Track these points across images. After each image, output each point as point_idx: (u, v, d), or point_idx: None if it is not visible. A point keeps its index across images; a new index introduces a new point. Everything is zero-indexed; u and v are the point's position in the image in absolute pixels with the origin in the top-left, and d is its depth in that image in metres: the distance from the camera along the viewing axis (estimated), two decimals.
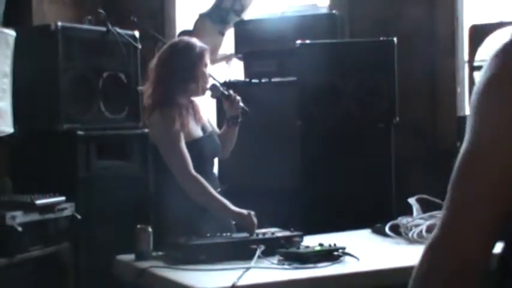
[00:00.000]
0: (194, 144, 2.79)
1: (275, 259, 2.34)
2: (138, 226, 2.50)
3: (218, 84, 3.04)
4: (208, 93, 3.01)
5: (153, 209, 2.86)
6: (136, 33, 3.80)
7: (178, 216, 2.70)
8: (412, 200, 2.93)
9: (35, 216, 2.92)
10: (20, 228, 2.79)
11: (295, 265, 2.27)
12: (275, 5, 4.52)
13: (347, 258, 2.36)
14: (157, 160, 2.85)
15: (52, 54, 3.41)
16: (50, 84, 3.43)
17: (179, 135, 2.75)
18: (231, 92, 2.99)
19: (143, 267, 2.32)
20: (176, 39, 2.97)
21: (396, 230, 2.77)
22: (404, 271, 2.24)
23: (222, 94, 2.99)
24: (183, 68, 2.81)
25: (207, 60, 2.89)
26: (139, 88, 3.06)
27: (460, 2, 4.21)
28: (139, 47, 3.79)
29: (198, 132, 2.89)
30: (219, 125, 3.18)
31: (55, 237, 3.06)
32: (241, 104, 2.98)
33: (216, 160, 3.18)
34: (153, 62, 2.88)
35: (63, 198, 3.10)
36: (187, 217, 2.70)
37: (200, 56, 2.85)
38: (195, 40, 2.94)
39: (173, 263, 2.35)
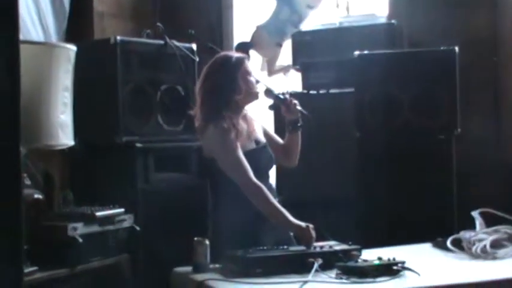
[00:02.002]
0: (247, 156, 2.80)
1: (333, 273, 2.32)
2: (196, 239, 2.51)
3: (271, 88, 3.02)
4: (264, 103, 3.01)
5: (210, 222, 2.87)
6: (194, 46, 3.85)
7: (235, 229, 2.70)
8: (475, 214, 2.86)
9: (95, 228, 2.98)
10: (80, 240, 2.85)
11: (354, 279, 2.24)
12: (333, 16, 4.49)
13: (407, 273, 2.32)
14: (212, 174, 2.87)
15: (111, 67, 3.49)
16: (109, 97, 3.50)
17: (236, 144, 2.76)
18: (287, 95, 2.98)
19: (200, 279, 2.34)
20: (214, 57, 2.99)
21: (458, 245, 2.71)
22: (467, 287, 2.21)
23: (277, 98, 2.99)
24: (223, 82, 2.84)
25: (248, 68, 2.90)
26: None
27: None
28: (197, 59, 3.83)
29: (251, 144, 2.89)
30: (281, 136, 3.14)
31: (114, 249, 3.10)
32: (298, 107, 2.96)
33: (272, 172, 3.17)
34: (197, 86, 2.92)
35: (122, 210, 3.15)
36: (243, 229, 2.70)
37: (237, 66, 2.87)
38: (231, 53, 2.97)
39: (230, 276, 2.36)
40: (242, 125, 2.89)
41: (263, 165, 2.92)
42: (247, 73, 2.89)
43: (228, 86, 2.84)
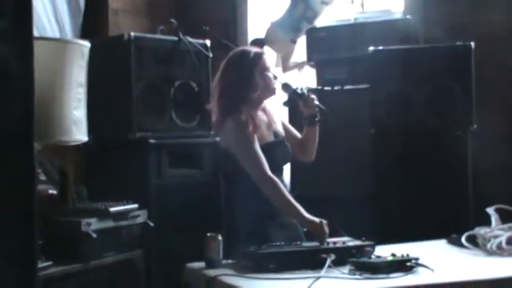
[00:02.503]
0: (265, 148, 2.81)
1: (346, 269, 2.32)
2: (209, 234, 2.52)
3: (289, 83, 3.02)
4: (279, 99, 3.01)
5: (223, 217, 2.89)
6: (208, 42, 3.85)
7: (247, 225, 2.71)
8: (490, 210, 2.84)
9: (109, 223, 3.00)
10: (94, 235, 2.87)
11: (367, 275, 2.24)
12: (347, 12, 4.48)
13: (420, 269, 2.31)
14: (228, 168, 2.88)
15: (125, 63, 3.50)
16: (123, 94, 3.51)
17: (253, 138, 2.77)
18: (304, 90, 2.98)
19: (213, 275, 2.35)
20: (232, 52, 3.00)
21: (473, 241, 2.70)
22: (482, 284, 2.20)
23: (295, 92, 2.98)
24: (241, 76, 2.84)
25: (266, 63, 2.90)
26: (207, 106, 3.10)
27: None
28: (211, 55, 3.84)
29: (270, 136, 2.90)
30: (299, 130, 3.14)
31: (128, 244, 3.12)
32: (316, 101, 2.96)
33: (287, 167, 3.17)
34: (215, 80, 2.93)
35: (136, 205, 3.17)
36: (255, 226, 2.71)
37: (255, 61, 2.87)
38: (249, 48, 2.96)
39: (243, 272, 2.36)
40: (261, 116, 2.90)
41: (279, 159, 2.92)
42: (265, 68, 2.89)
43: (245, 82, 2.84)
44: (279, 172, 2.92)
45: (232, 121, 2.79)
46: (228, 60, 2.93)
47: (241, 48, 3.09)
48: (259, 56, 2.89)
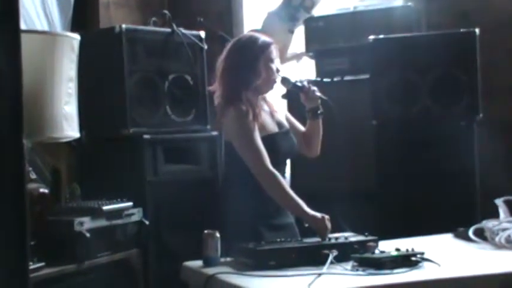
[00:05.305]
0: (269, 139, 2.79)
1: (349, 265, 2.31)
2: (206, 231, 2.52)
3: (288, 77, 3.01)
4: (278, 91, 3.00)
5: (219, 214, 2.88)
6: (202, 34, 3.83)
7: (239, 225, 2.70)
8: (499, 202, 2.84)
9: (102, 222, 2.99)
10: (88, 234, 2.86)
11: (370, 271, 2.23)
12: (346, 0, 4.48)
13: (426, 264, 2.30)
14: (229, 159, 2.87)
15: (117, 57, 3.49)
16: (116, 88, 3.50)
17: (253, 127, 2.75)
18: (305, 82, 2.97)
19: (211, 273, 2.33)
20: (240, 35, 2.99)
21: (481, 235, 2.69)
22: (490, 279, 2.19)
23: (295, 86, 2.97)
24: (244, 61, 2.83)
25: (272, 54, 2.88)
26: (209, 88, 3.08)
27: None
28: (205, 47, 3.82)
29: (273, 127, 2.89)
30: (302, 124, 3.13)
31: (123, 243, 3.11)
32: (317, 93, 2.95)
33: (288, 162, 3.16)
34: (219, 60, 2.91)
35: (130, 203, 3.16)
36: (248, 226, 2.71)
37: (262, 49, 2.85)
38: (259, 34, 2.94)
39: (242, 269, 2.36)
40: (263, 105, 2.89)
41: (283, 151, 2.90)
42: (270, 59, 2.87)
43: (249, 67, 2.82)
44: (282, 165, 2.91)
45: (233, 111, 2.79)
46: (234, 43, 2.92)
47: (250, 33, 3.07)
48: (267, 45, 2.88)
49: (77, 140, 3.00)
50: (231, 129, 2.81)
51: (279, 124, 2.93)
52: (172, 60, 3.71)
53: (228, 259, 2.53)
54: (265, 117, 2.87)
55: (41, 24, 3.85)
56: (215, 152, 3.70)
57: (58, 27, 3.98)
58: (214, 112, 3.04)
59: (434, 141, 3.61)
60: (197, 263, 2.51)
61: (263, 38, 2.90)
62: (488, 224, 2.70)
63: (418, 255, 2.32)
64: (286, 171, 3.01)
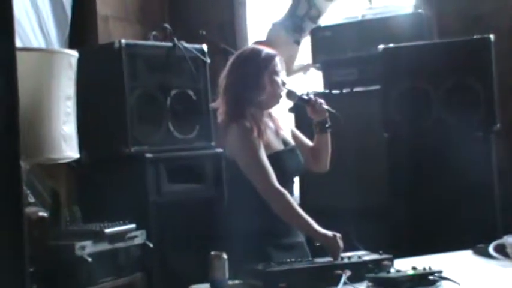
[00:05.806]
0: (275, 158, 2.79)
1: (363, 285, 2.29)
2: (213, 253, 2.50)
3: (294, 90, 3.01)
4: (284, 106, 2.99)
5: (226, 234, 2.87)
6: (205, 47, 3.85)
7: (246, 245, 2.68)
8: None
9: (105, 246, 2.99)
10: (89, 259, 2.86)
11: None
12: (354, 8, 4.48)
13: (445, 283, 2.28)
14: (234, 178, 2.86)
15: (117, 73, 3.50)
16: (116, 105, 3.51)
17: (258, 144, 2.75)
18: (311, 95, 2.96)
19: None
20: (243, 48, 2.99)
21: (502, 251, 2.67)
22: None
23: (301, 99, 2.96)
24: (248, 76, 2.82)
25: (277, 67, 2.88)
26: (212, 105, 3.09)
27: None
28: (208, 61, 3.83)
29: (279, 145, 2.88)
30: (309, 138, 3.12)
31: (127, 267, 3.11)
32: (325, 106, 2.94)
33: (296, 179, 3.15)
34: (221, 76, 2.91)
35: (133, 225, 3.16)
36: (255, 246, 2.69)
37: (266, 62, 2.85)
38: (262, 47, 2.94)
39: None
40: (268, 122, 2.89)
41: (290, 170, 2.89)
42: (275, 72, 2.86)
43: (252, 82, 2.82)
44: (290, 183, 2.90)
45: (237, 128, 2.78)
46: (237, 57, 2.92)
47: (253, 45, 3.07)
48: (270, 58, 2.87)
49: (76, 161, 3.00)
50: (235, 147, 2.81)
51: (284, 142, 2.92)
52: (174, 75, 3.73)
53: (236, 281, 2.51)
54: (270, 135, 2.86)
55: (37, 41, 3.87)
56: (220, 169, 3.70)
57: (55, 43, 4.00)
58: (218, 128, 3.03)
59: (449, 153, 3.60)
60: (204, 286, 2.50)
61: (267, 50, 2.89)
62: (510, 239, 2.69)
63: (436, 274, 2.30)
64: (294, 189, 3.00)
